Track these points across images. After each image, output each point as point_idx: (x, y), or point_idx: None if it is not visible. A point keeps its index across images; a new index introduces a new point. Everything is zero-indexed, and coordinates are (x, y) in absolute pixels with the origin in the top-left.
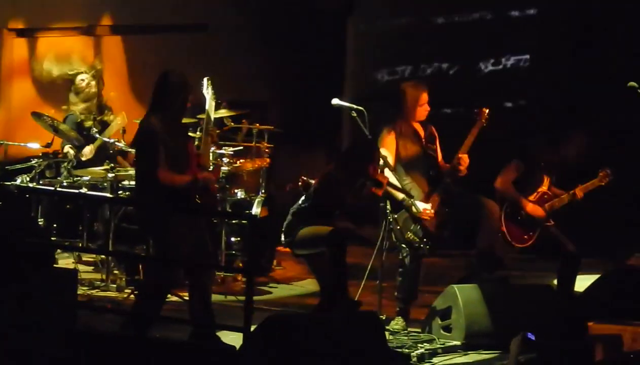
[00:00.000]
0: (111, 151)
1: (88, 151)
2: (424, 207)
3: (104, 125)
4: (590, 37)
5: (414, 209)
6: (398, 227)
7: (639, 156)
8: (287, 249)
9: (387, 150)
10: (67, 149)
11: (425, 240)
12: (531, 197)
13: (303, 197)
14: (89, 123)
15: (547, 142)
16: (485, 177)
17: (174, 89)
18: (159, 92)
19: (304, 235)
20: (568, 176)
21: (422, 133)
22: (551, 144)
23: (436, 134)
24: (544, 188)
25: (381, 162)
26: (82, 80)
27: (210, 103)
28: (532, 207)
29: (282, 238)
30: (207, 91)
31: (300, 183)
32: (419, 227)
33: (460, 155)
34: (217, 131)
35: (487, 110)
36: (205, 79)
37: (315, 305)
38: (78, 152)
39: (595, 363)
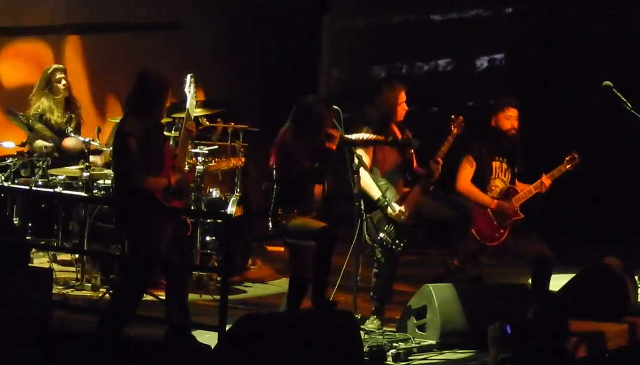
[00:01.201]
0: (86, 150)
1: (73, 144)
2: (399, 209)
3: (74, 123)
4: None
5: (389, 210)
6: (372, 227)
7: (615, 155)
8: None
9: (364, 150)
10: (40, 143)
11: (397, 241)
12: (494, 192)
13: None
14: (56, 119)
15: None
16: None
17: (152, 89)
18: (137, 91)
19: (295, 226)
20: (536, 170)
21: (399, 135)
22: (485, 121)
23: (411, 135)
24: (504, 180)
25: (356, 161)
26: (59, 76)
27: (191, 101)
28: (498, 203)
29: (270, 227)
30: (190, 89)
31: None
32: (392, 227)
33: (437, 159)
34: (197, 127)
35: (462, 118)
36: (188, 76)
37: (285, 298)
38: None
39: (577, 361)
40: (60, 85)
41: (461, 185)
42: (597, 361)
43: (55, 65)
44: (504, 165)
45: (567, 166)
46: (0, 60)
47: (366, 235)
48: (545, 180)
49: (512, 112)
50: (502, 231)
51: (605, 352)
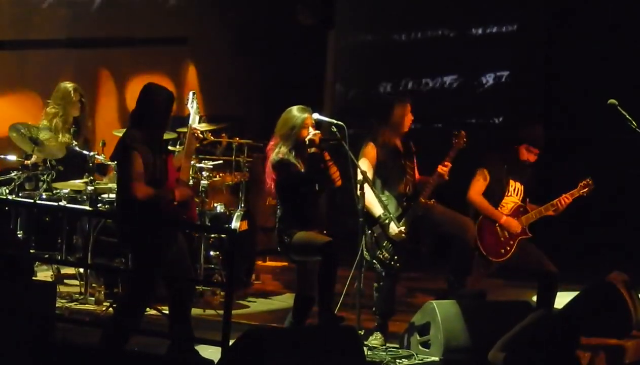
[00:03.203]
0: (91, 164)
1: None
2: (398, 229)
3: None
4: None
5: (390, 229)
6: (372, 242)
7: (617, 173)
8: (268, 263)
9: (368, 161)
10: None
11: (396, 258)
12: (505, 208)
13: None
14: (62, 137)
15: (504, 143)
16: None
17: (156, 103)
18: (141, 105)
19: (299, 241)
20: (549, 192)
21: (401, 149)
22: (507, 143)
23: (414, 150)
24: (516, 199)
25: (360, 176)
26: (76, 96)
27: (193, 117)
28: (506, 220)
29: (278, 247)
30: (192, 105)
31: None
32: (390, 245)
33: (445, 163)
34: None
35: (464, 133)
36: (190, 93)
37: (290, 314)
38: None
39: None
40: (74, 105)
41: (472, 195)
42: None
43: (73, 84)
44: (519, 186)
45: (581, 191)
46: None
47: (365, 251)
48: (557, 203)
49: (535, 150)
50: (508, 248)
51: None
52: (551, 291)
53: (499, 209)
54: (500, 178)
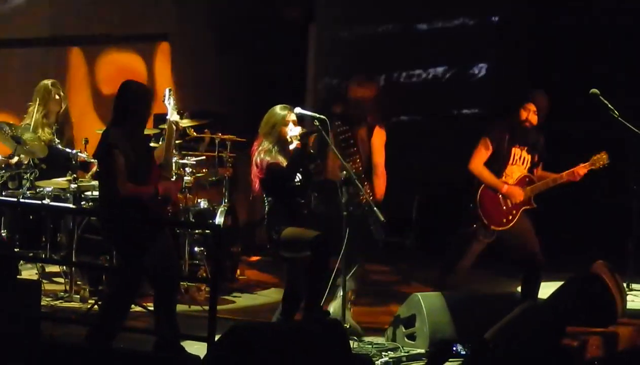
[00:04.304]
0: (74, 162)
1: None
2: None
3: (63, 136)
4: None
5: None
6: None
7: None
8: (253, 258)
9: None
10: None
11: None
12: (510, 178)
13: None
14: (46, 134)
15: (504, 109)
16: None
17: (134, 99)
18: (120, 102)
19: (288, 236)
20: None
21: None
22: (508, 109)
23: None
24: (522, 168)
25: (344, 172)
26: (54, 91)
27: (171, 113)
28: (508, 189)
29: (267, 244)
30: (169, 102)
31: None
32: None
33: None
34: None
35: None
36: (167, 90)
37: (279, 310)
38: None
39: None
40: (55, 101)
41: (473, 166)
42: (614, 361)
43: (51, 80)
44: (525, 154)
45: (594, 165)
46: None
47: None
48: (565, 174)
49: (531, 107)
50: (510, 218)
51: (620, 353)
52: (537, 281)
53: (504, 178)
54: (502, 147)
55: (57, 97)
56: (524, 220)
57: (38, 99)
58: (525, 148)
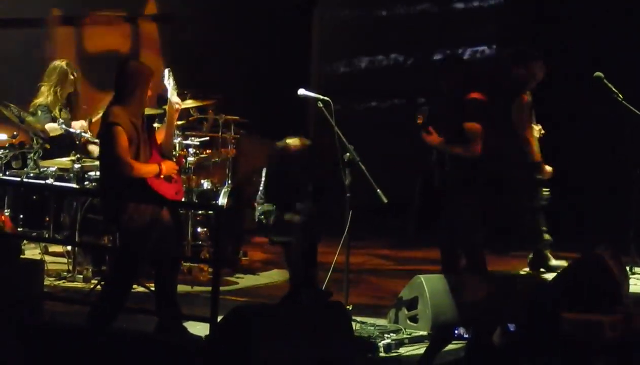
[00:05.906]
0: (77, 142)
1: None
2: None
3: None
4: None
5: None
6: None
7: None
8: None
9: None
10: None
11: None
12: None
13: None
14: (57, 113)
15: None
16: None
17: (133, 78)
18: (120, 81)
19: (278, 222)
20: None
21: None
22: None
23: None
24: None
25: (348, 154)
26: (71, 71)
27: (171, 93)
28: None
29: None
30: (169, 82)
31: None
32: None
33: None
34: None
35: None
36: (166, 70)
37: (284, 294)
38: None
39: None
40: (70, 82)
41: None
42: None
43: (65, 60)
44: None
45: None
46: None
47: None
48: None
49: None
50: None
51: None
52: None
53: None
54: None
55: (71, 77)
56: None
57: (55, 80)
58: None
